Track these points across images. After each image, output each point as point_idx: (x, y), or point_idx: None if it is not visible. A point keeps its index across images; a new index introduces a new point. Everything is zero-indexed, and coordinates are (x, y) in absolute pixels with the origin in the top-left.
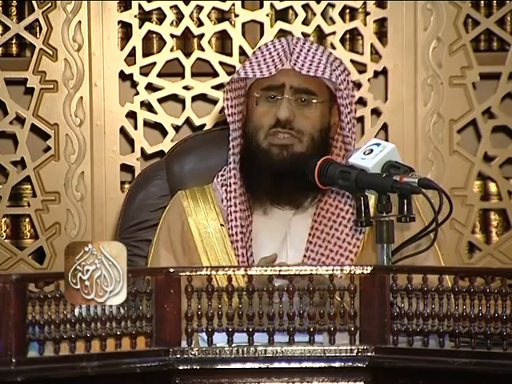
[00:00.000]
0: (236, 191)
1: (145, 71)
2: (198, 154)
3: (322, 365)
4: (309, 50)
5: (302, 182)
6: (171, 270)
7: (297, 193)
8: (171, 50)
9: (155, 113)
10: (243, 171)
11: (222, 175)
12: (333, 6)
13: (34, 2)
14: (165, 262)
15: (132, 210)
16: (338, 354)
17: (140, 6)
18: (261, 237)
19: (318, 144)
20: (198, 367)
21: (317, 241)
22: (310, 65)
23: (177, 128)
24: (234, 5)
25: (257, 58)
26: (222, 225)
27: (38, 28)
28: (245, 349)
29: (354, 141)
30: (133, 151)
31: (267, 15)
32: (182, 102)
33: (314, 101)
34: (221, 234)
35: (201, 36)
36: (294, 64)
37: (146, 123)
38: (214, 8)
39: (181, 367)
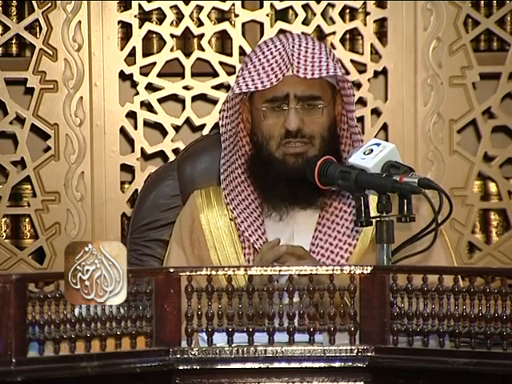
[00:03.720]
0: (238, 193)
1: (145, 71)
2: (210, 156)
3: (322, 365)
4: (307, 51)
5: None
6: (171, 270)
7: (313, 196)
8: (171, 50)
9: (155, 113)
10: (255, 179)
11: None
12: (333, 6)
13: (34, 2)
14: (174, 256)
15: (144, 209)
16: (337, 354)
17: (140, 6)
18: (268, 231)
19: (329, 140)
20: (198, 367)
21: (319, 238)
22: (313, 66)
23: (177, 128)
24: (233, 5)
25: (255, 66)
26: (231, 219)
27: (37, 28)
28: (245, 349)
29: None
30: (133, 151)
31: (267, 15)
32: (182, 102)
33: (320, 106)
34: (229, 228)
35: (201, 36)
36: (297, 71)
37: (146, 123)
38: (214, 8)
39: (181, 367)
